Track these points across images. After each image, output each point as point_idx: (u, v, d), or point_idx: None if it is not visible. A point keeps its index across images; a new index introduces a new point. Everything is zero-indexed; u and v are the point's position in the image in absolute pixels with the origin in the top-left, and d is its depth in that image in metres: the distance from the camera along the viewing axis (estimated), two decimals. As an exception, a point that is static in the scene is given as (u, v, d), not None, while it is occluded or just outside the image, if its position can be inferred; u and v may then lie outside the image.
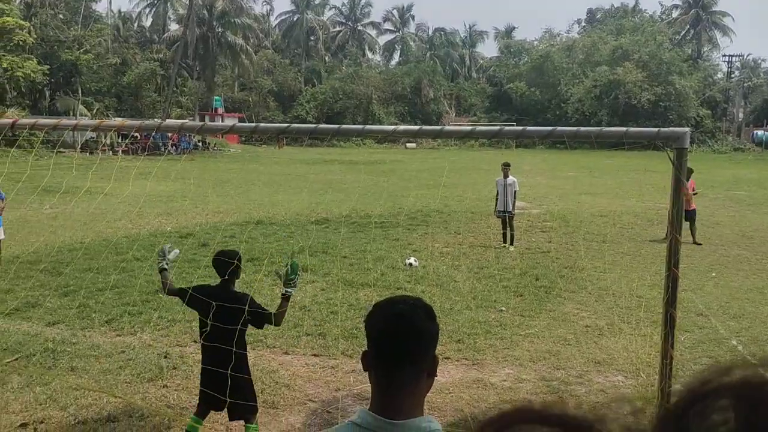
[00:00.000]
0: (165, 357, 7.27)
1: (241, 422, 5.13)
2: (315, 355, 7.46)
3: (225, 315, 4.81)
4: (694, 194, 14.47)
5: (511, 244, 13.55)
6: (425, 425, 1.65)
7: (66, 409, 5.98)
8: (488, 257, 12.72)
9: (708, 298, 9.93)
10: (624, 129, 3.90)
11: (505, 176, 13.57)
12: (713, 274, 11.65)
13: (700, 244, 13.98)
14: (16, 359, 7.08)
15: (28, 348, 7.44)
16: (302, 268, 11.17)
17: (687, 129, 3.92)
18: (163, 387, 6.54)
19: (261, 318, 4.95)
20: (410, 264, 11.62)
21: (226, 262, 4.97)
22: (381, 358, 1.69)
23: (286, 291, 4.95)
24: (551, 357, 7.46)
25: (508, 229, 13.61)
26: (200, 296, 4.89)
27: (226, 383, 4.73)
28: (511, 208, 13.53)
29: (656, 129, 3.96)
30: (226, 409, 5.00)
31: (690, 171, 14.29)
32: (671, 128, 3.86)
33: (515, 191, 13.67)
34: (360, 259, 12.16)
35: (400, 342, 1.67)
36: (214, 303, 4.85)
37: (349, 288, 10.14)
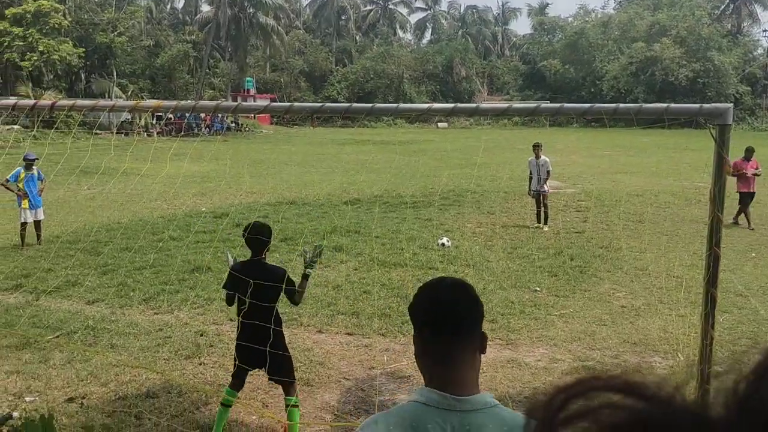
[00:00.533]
0: (202, 335, 7.38)
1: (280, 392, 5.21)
2: (349, 333, 7.51)
3: (262, 290, 4.86)
4: (756, 175, 13.83)
5: (545, 223, 13.42)
6: (489, 399, 1.66)
7: (107, 385, 6.12)
8: (522, 237, 12.63)
9: (747, 279, 9.74)
10: (664, 105, 3.80)
11: (537, 157, 13.47)
12: (753, 254, 11.42)
13: (752, 229, 13.43)
14: (58, 336, 7.26)
15: (70, 325, 7.62)
16: (335, 247, 11.25)
17: (730, 105, 3.81)
18: (200, 364, 6.65)
19: (292, 293, 5.05)
20: (443, 244, 11.59)
21: (262, 241, 5.03)
22: (438, 333, 1.68)
23: (306, 271, 5.14)
24: (586, 337, 7.40)
25: (542, 208, 13.50)
26: (246, 275, 4.94)
27: (264, 358, 4.80)
28: (545, 187, 13.45)
29: (698, 105, 3.86)
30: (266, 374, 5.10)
31: (751, 150, 13.89)
32: (714, 104, 3.75)
33: (548, 170, 13.55)
34: (392, 239, 12.17)
35: (458, 311, 1.69)
36: (251, 282, 4.90)
37: (382, 267, 10.16)
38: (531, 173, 13.69)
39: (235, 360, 5.18)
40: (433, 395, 1.63)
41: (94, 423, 5.14)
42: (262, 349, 4.82)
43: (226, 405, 5.14)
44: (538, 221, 13.55)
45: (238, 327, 5.08)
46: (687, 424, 0.46)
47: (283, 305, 5.30)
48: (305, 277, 5.13)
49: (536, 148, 13.50)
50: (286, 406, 5.11)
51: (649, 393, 0.49)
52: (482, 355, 1.75)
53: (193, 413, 5.64)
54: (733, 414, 0.46)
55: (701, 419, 0.46)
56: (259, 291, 4.87)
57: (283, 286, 4.94)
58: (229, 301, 5.24)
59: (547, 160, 13.63)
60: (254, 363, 5.07)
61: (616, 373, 0.51)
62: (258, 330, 4.88)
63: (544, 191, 13.48)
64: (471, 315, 1.72)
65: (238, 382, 5.19)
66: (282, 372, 5.00)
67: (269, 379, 5.21)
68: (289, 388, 5.10)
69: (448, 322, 1.68)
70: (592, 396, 0.50)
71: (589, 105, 3.70)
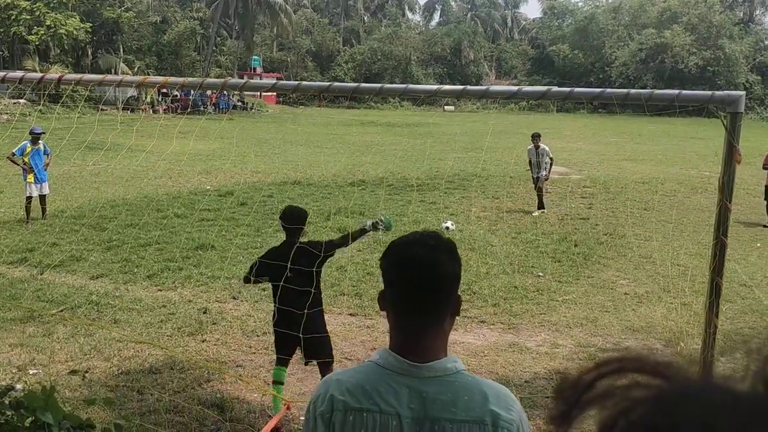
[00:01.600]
0: (204, 312, 7.41)
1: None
2: (351, 314, 7.53)
3: (297, 273, 4.82)
4: None
5: (538, 208, 13.42)
6: (450, 365, 1.58)
7: (110, 359, 6.15)
8: (526, 222, 12.61)
9: (752, 269, 9.72)
10: (676, 92, 3.76)
11: (536, 147, 13.40)
12: (758, 245, 11.38)
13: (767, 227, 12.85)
14: (62, 311, 7.29)
15: (74, 300, 7.65)
16: (339, 229, 11.25)
17: (742, 92, 3.76)
18: (203, 341, 6.68)
19: (332, 246, 5.12)
20: (447, 227, 11.56)
21: (299, 229, 5.08)
22: (402, 303, 1.61)
23: (368, 226, 5.17)
24: (588, 323, 7.41)
25: (538, 192, 13.52)
26: (279, 259, 4.91)
27: (306, 340, 4.83)
28: (542, 172, 13.36)
29: (710, 92, 3.81)
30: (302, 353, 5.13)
31: None
32: (726, 92, 3.71)
33: (550, 158, 13.50)
34: (397, 221, 12.09)
35: (421, 290, 1.58)
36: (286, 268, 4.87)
37: (385, 249, 10.15)
38: (530, 161, 13.67)
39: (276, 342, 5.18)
40: (391, 358, 1.58)
41: (96, 397, 5.18)
42: (299, 334, 4.79)
43: (277, 382, 5.17)
44: (540, 210, 13.55)
45: (274, 313, 5.06)
46: (714, 398, 0.46)
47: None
48: (364, 231, 5.20)
49: (535, 138, 13.41)
50: None
51: (676, 371, 0.48)
52: (456, 318, 1.69)
53: (195, 389, 5.68)
54: (761, 389, 0.45)
55: (730, 395, 0.46)
56: (294, 275, 4.82)
57: (321, 254, 4.94)
58: (247, 280, 5.28)
59: (546, 148, 13.50)
60: (293, 347, 5.06)
61: (645, 353, 0.50)
62: (293, 315, 4.84)
63: (542, 176, 13.38)
64: (446, 285, 1.60)
65: (281, 359, 5.19)
66: (321, 353, 5.01)
67: (306, 362, 5.21)
68: (326, 369, 5.05)
69: (419, 294, 1.59)
70: (620, 376, 0.49)
71: (600, 90, 3.66)
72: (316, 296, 5.01)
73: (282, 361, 5.21)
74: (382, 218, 5.16)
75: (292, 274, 4.81)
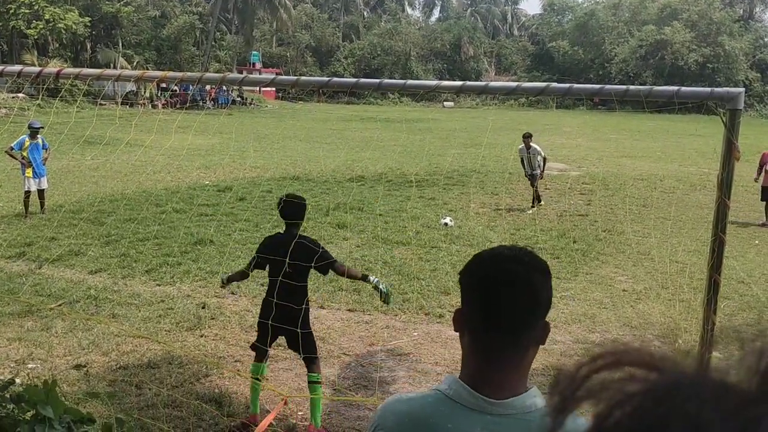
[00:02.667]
0: (203, 307, 7.41)
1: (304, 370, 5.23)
2: (350, 310, 7.54)
3: (294, 267, 4.80)
4: None
5: (533, 206, 13.38)
6: (530, 402, 1.38)
7: (108, 354, 6.16)
8: (525, 218, 12.62)
9: (750, 266, 9.73)
10: (675, 88, 3.76)
11: (527, 147, 13.29)
12: (756, 242, 11.40)
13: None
14: (60, 305, 7.29)
15: (72, 294, 7.65)
16: (338, 224, 11.26)
17: (741, 89, 3.76)
18: (201, 336, 6.68)
19: (331, 264, 5.02)
20: (446, 223, 11.59)
21: (298, 217, 5.04)
22: (485, 325, 1.40)
23: (371, 280, 5.15)
24: (586, 320, 7.42)
25: (534, 189, 13.52)
26: (275, 250, 4.91)
27: (286, 333, 4.83)
28: (537, 170, 13.31)
29: (709, 89, 3.81)
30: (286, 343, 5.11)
31: None
32: (725, 88, 3.71)
33: (544, 158, 13.44)
34: (395, 217, 12.16)
35: (514, 314, 1.38)
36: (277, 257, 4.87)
37: (384, 245, 10.16)
38: (522, 160, 13.58)
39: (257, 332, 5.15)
40: (463, 391, 1.39)
41: (95, 391, 5.18)
42: (285, 327, 4.79)
43: (255, 380, 5.12)
44: (540, 202, 13.58)
45: (263, 305, 5.05)
46: (706, 390, 0.46)
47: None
48: (365, 278, 5.17)
49: (526, 138, 13.31)
50: (310, 382, 5.07)
51: (671, 364, 0.49)
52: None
53: (193, 384, 5.68)
54: (754, 382, 0.46)
55: (723, 386, 0.46)
56: (289, 266, 4.79)
57: (312, 265, 4.87)
58: (230, 280, 5.38)
59: (538, 147, 13.37)
60: (274, 338, 5.04)
61: (641, 346, 0.51)
62: (282, 307, 4.82)
63: (536, 173, 13.33)
64: (536, 309, 1.40)
65: (260, 355, 5.14)
66: (306, 349, 4.95)
67: (289, 346, 5.15)
68: (312, 364, 5.06)
69: (501, 320, 1.39)
70: (616, 369, 0.50)
71: (599, 86, 3.66)
72: (305, 291, 5.01)
73: (260, 357, 5.15)
74: (384, 289, 5.13)
75: (290, 270, 4.80)
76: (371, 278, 5.15)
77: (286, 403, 5.30)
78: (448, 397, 1.39)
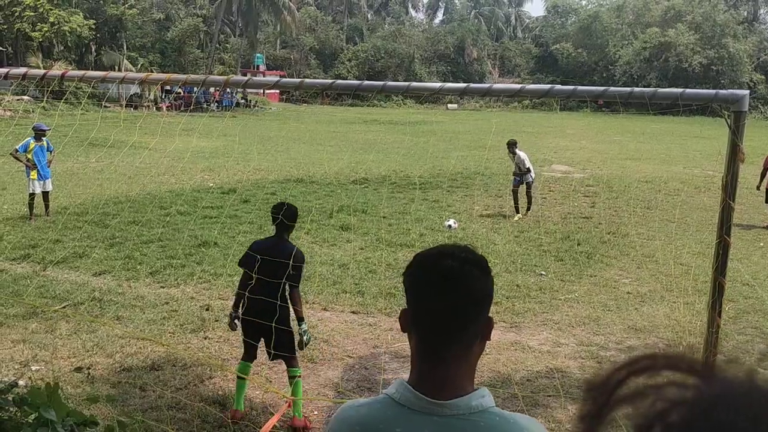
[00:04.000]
0: (207, 309, 7.42)
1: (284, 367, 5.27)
2: (354, 312, 7.53)
3: (271, 266, 4.92)
4: None
5: (528, 210, 13.03)
6: (476, 403, 1.37)
7: (112, 356, 6.16)
8: (529, 221, 12.60)
9: (755, 268, 9.70)
10: (679, 90, 3.75)
11: (513, 154, 12.95)
12: (761, 244, 11.36)
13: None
14: (64, 307, 7.30)
15: (76, 297, 7.67)
16: (342, 227, 11.27)
17: (746, 91, 3.75)
18: (205, 338, 6.68)
19: (298, 279, 5.11)
20: (449, 226, 11.58)
21: (284, 224, 5.12)
22: (426, 324, 1.41)
23: (302, 327, 5.14)
24: (591, 322, 7.40)
25: (527, 197, 13.03)
26: (258, 251, 5.06)
27: (268, 333, 4.88)
28: (529, 177, 12.96)
29: (713, 91, 3.80)
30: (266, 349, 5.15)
31: None
32: (730, 90, 3.70)
33: (528, 168, 12.89)
34: (399, 219, 12.16)
35: (449, 308, 1.38)
36: (258, 258, 4.95)
37: (388, 248, 10.16)
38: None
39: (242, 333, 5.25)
40: (409, 394, 1.38)
41: (99, 393, 5.18)
42: (266, 324, 4.87)
43: (241, 377, 5.19)
44: (523, 211, 12.99)
45: (244, 302, 5.10)
46: (759, 402, 0.44)
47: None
48: (300, 320, 5.15)
49: (510, 146, 12.93)
50: (290, 377, 5.19)
51: (714, 371, 0.46)
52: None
53: (197, 386, 5.68)
54: None
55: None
56: (268, 267, 4.93)
57: (290, 263, 4.93)
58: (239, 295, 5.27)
59: (522, 156, 12.95)
60: (258, 337, 5.14)
61: (678, 351, 0.49)
62: (264, 305, 4.91)
63: (529, 181, 12.97)
64: (477, 304, 1.41)
65: (248, 354, 5.26)
66: (283, 348, 5.04)
67: (271, 358, 5.21)
68: (290, 361, 5.18)
69: (437, 319, 1.39)
70: (652, 374, 0.48)
71: (603, 88, 3.66)
72: (285, 296, 5.08)
73: (249, 355, 5.24)
74: (306, 339, 5.16)
75: (266, 266, 4.93)
76: (303, 326, 5.15)
77: (290, 405, 5.29)
78: (395, 402, 1.39)
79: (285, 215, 5.12)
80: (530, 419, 1.48)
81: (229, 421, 5.07)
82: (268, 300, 4.91)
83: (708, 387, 0.46)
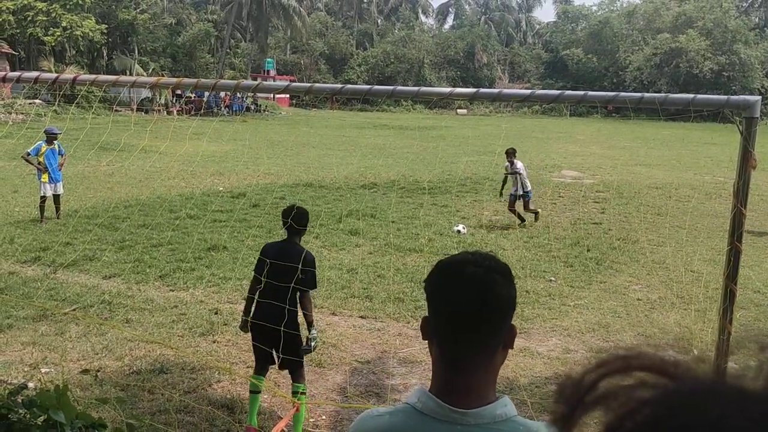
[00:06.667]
0: (216, 313, 7.43)
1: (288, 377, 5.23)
2: (362, 317, 7.52)
3: (286, 270, 4.90)
4: None
5: (536, 219, 12.78)
6: (500, 412, 1.36)
7: (121, 359, 6.18)
8: (538, 226, 12.56)
9: (766, 276, 9.62)
10: (691, 96, 3.73)
11: (511, 164, 12.41)
12: (773, 251, 11.27)
13: None
14: (74, 310, 7.33)
15: (86, 299, 7.70)
16: (351, 231, 11.27)
17: (758, 97, 3.73)
18: (214, 342, 6.69)
19: (310, 283, 5.06)
20: (458, 231, 11.56)
21: (299, 229, 5.15)
22: (449, 331, 1.39)
23: (312, 333, 5.11)
24: (600, 329, 7.37)
25: (525, 211, 12.58)
26: (268, 254, 5.05)
27: (279, 337, 4.83)
28: (522, 191, 12.39)
29: (725, 97, 3.79)
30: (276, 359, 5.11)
31: None
32: (742, 96, 3.68)
33: (523, 177, 12.37)
34: (408, 224, 12.15)
35: (475, 316, 1.36)
36: (267, 261, 4.94)
37: (397, 252, 10.15)
38: (505, 179, 12.68)
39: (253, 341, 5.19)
40: (431, 403, 1.37)
41: (108, 396, 5.20)
42: (275, 329, 4.83)
43: (254, 392, 5.12)
44: (531, 219, 12.71)
45: (255, 311, 5.09)
46: (725, 396, 0.44)
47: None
48: (310, 325, 5.11)
49: (509, 154, 12.48)
50: (293, 393, 5.09)
51: (684, 370, 0.46)
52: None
53: (205, 390, 5.69)
54: None
55: (741, 394, 0.44)
56: (278, 271, 4.91)
57: (299, 266, 4.91)
58: (249, 298, 5.23)
59: (520, 165, 12.45)
60: (269, 344, 5.05)
61: (649, 351, 0.49)
62: (273, 309, 4.89)
63: (526, 194, 12.39)
64: (501, 310, 1.39)
65: (259, 366, 5.19)
66: (290, 352, 4.98)
67: (279, 366, 5.17)
68: (296, 372, 5.09)
69: (463, 325, 1.38)
70: (624, 375, 0.48)
71: (614, 93, 3.64)
72: (294, 299, 5.03)
73: (261, 368, 5.17)
74: (313, 344, 5.14)
75: (276, 269, 4.90)
76: (313, 332, 5.11)
77: (297, 410, 5.29)
78: (417, 410, 1.38)
79: (294, 219, 5.09)
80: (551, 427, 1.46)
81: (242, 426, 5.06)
82: (277, 304, 4.89)
83: (676, 385, 0.46)
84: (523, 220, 12.59)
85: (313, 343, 5.12)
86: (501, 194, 13.02)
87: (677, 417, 0.44)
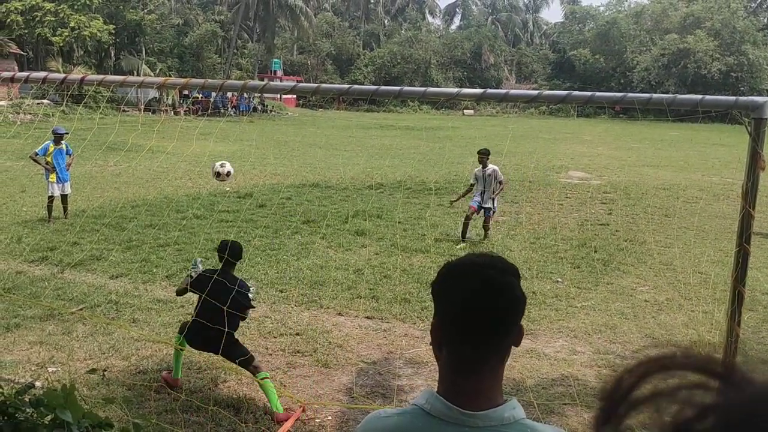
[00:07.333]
0: (222, 313, 7.43)
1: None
2: (368, 317, 7.52)
3: (223, 296, 5.17)
4: None
5: (485, 236, 11.43)
6: (508, 414, 1.36)
7: (128, 358, 6.19)
8: (545, 227, 12.53)
9: (775, 278, 9.56)
10: (699, 97, 3.72)
11: (484, 166, 11.20)
12: (781, 253, 11.20)
13: None
14: (81, 309, 7.35)
15: (93, 299, 7.72)
16: (357, 232, 11.26)
17: (767, 98, 3.71)
18: (220, 342, 6.69)
19: (243, 304, 5.35)
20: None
21: (230, 261, 5.49)
22: (459, 334, 1.38)
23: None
24: (607, 330, 7.34)
25: (482, 228, 11.38)
26: (204, 283, 5.33)
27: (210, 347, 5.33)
28: (490, 203, 11.14)
29: (733, 98, 3.76)
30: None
31: None
32: (750, 97, 3.66)
33: (500, 181, 11.23)
34: (414, 225, 12.14)
35: (492, 316, 1.37)
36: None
37: (403, 253, 10.14)
38: (475, 185, 11.34)
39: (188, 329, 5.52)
40: (439, 404, 1.37)
41: (114, 395, 5.21)
42: (211, 345, 5.26)
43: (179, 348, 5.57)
44: (464, 237, 11.16)
45: (191, 324, 5.42)
46: None
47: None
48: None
49: (483, 155, 11.22)
50: (258, 383, 5.33)
51: (736, 372, 0.45)
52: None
53: (211, 389, 5.70)
54: None
55: None
56: (219, 294, 5.18)
57: (235, 288, 5.25)
58: (180, 293, 5.73)
59: (497, 168, 11.27)
60: (200, 347, 5.52)
61: (693, 350, 0.47)
62: (208, 329, 5.19)
63: (492, 209, 11.23)
64: (516, 312, 1.39)
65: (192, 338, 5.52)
66: (234, 357, 5.28)
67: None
68: (250, 368, 5.31)
69: (479, 327, 1.37)
70: (668, 374, 0.46)
71: (621, 94, 3.63)
72: (233, 319, 5.31)
73: (193, 342, 5.52)
74: (252, 294, 5.62)
75: (215, 293, 5.17)
76: (252, 289, 5.62)
77: (304, 410, 5.29)
78: (425, 412, 1.38)
79: (230, 254, 5.44)
80: (560, 430, 1.47)
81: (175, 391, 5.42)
82: (214, 327, 5.12)
83: (739, 391, 0.44)
84: (485, 236, 11.43)
85: (251, 295, 5.47)
86: (452, 203, 12.00)
87: (752, 425, 0.42)
